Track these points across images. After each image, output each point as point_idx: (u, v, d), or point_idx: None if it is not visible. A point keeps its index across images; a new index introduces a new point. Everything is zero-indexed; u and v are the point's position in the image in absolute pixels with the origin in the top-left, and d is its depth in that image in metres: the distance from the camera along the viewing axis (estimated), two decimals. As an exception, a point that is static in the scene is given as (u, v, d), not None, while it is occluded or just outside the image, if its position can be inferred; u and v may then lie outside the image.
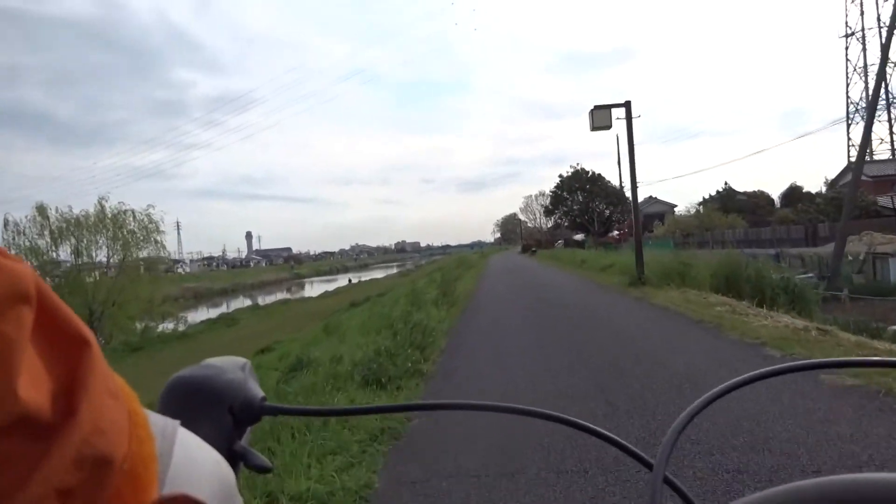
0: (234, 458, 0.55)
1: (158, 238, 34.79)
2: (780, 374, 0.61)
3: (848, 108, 56.50)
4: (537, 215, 75.54)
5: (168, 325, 37.73)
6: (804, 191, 67.92)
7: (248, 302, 63.69)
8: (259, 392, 0.60)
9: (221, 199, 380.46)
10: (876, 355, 5.00)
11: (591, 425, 0.62)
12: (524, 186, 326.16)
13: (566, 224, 62.50)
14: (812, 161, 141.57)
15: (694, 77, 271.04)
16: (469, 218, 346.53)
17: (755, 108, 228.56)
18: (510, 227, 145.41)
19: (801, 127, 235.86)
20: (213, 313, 49.39)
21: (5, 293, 0.23)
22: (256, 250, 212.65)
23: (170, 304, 42.02)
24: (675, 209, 72.44)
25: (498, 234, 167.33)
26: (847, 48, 56.04)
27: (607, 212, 56.00)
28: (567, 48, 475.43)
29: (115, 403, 0.30)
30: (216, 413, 0.55)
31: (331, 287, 71.03)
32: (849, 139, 56.89)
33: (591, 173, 58.56)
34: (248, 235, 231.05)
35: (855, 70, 55.34)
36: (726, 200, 58.86)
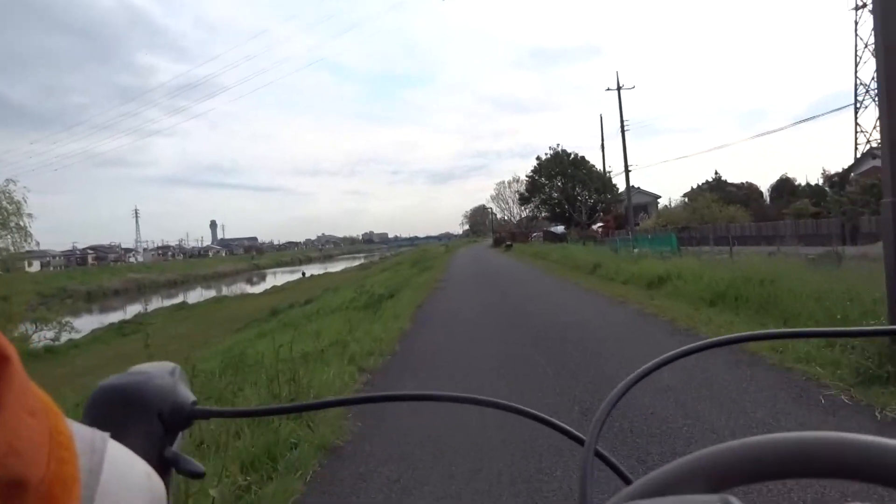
0: (166, 464, 0.53)
1: (23, 222, 25.27)
2: (705, 350, 0.60)
3: (857, 90, 48.63)
4: (510, 204, 65.46)
5: (48, 335, 28.31)
6: (796, 183, 61.51)
7: (186, 296, 57.55)
8: (189, 396, 0.57)
9: (186, 187, 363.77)
10: None
11: (521, 406, 0.60)
12: (493, 179, 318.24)
13: (543, 214, 53.46)
14: (793, 154, 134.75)
15: (658, 74, 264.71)
16: (437, 210, 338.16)
17: (720, 106, 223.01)
18: (479, 218, 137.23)
19: (761, 126, 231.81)
20: (133, 311, 41.72)
21: None
22: (221, 239, 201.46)
23: (57, 306, 32.64)
24: (659, 201, 64.84)
25: (466, 227, 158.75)
26: (857, 23, 48.05)
27: (590, 200, 46.84)
28: (533, 43, 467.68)
29: (34, 422, 0.27)
30: (145, 420, 0.53)
31: (285, 280, 66.00)
32: (857, 125, 49.05)
33: (573, 156, 49.91)
34: (213, 224, 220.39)
35: (867, 47, 47.42)
36: (716, 191, 51.59)
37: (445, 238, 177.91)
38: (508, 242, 50.84)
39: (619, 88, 39.35)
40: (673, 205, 64.27)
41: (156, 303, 49.75)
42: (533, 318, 8.89)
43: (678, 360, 0.59)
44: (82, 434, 0.34)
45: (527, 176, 53.21)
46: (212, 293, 57.25)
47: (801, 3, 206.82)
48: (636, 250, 30.79)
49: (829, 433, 0.32)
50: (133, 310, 45.00)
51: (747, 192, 60.06)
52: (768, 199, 60.47)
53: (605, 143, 47.81)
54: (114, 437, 0.40)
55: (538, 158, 51.88)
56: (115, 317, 39.54)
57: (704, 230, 39.68)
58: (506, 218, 70.01)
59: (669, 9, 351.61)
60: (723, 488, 0.33)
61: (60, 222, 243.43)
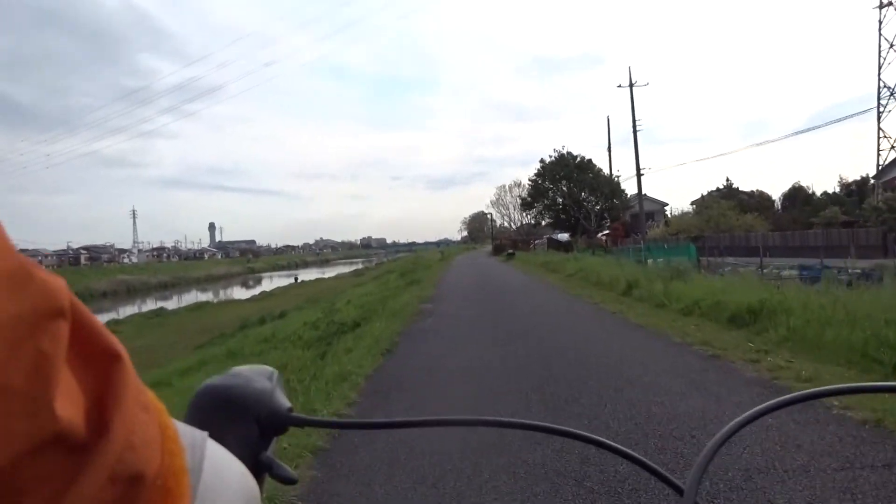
0: (260, 468, 0.53)
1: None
2: (812, 399, 0.58)
3: (880, 92, 45.03)
4: (511, 210, 60.25)
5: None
6: (810, 191, 58.24)
7: (172, 300, 54.96)
8: (286, 402, 0.57)
9: (187, 189, 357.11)
10: None
11: (622, 447, 0.59)
12: (493, 186, 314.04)
13: (547, 220, 48.99)
14: (799, 163, 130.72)
15: (660, 84, 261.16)
16: (436, 216, 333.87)
17: (721, 117, 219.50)
18: (477, 224, 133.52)
19: (761, 137, 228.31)
20: (108, 317, 38.49)
21: (43, 308, 0.22)
22: (219, 242, 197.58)
23: None
24: (666, 208, 61.21)
25: (465, 233, 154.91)
26: (882, 22, 44.62)
27: (598, 206, 42.45)
28: (537, 51, 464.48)
29: (147, 417, 0.29)
30: (243, 423, 0.53)
31: (276, 285, 61.37)
32: (880, 130, 45.39)
33: (579, 158, 46.08)
34: (212, 226, 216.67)
35: (892, 46, 43.94)
36: (728, 199, 48.12)
37: (444, 244, 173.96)
38: (510, 250, 45.71)
39: (631, 85, 35.92)
40: (680, 213, 60.70)
41: (138, 307, 46.66)
42: (581, 398, 4.85)
43: (779, 410, 0.56)
44: (183, 431, 0.35)
45: (529, 180, 49.11)
46: (197, 297, 54.82)
47: (798, 14, 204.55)
48: (650, 261, 27.17)
49: None
50: (109, 315, 41.76)
51: (758, 201, 56.75)
52: (780, 208, 57.35)
53: (611, 147, 43.41)
54: (212, 436, 0.40)
55: (542, 161, 48.16)
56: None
57: (722, 239, 35.99)
58: (506, 224, 65.66)
59: (673, 19, 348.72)
60: None
61: (61, 222, 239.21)
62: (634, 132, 35.24)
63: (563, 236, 49.05)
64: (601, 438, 0.57)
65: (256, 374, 0.56)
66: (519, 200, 52.62)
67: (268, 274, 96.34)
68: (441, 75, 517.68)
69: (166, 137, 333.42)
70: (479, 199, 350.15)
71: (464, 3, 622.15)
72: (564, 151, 45.68)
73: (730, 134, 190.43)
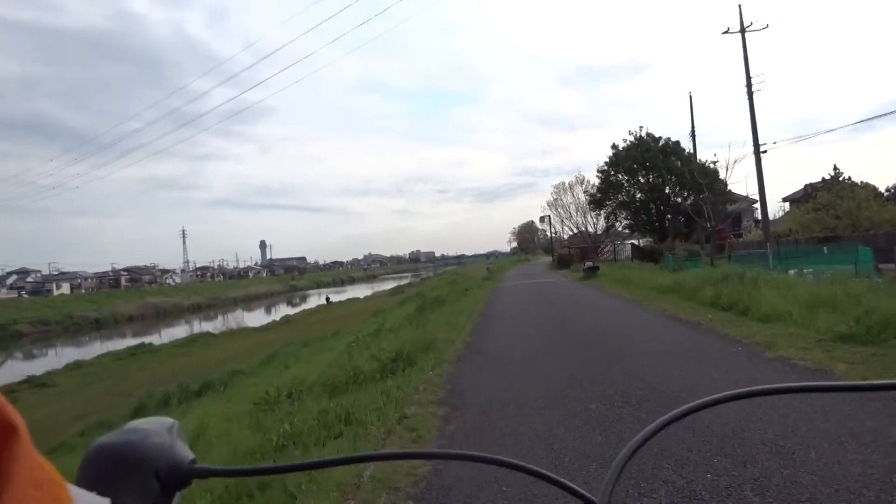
0: None
1: None
2: (721, 404, 0.55)
3: None
4: (573, 212, 47.73)
5: None
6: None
7: (188, 326, 47.59)
8: (188, 454, 0.54)
9: (238, 209, 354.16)
10: None
11: (528, 465, 0.55)
12: (540, 197, 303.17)
13: (624, 221, 37.39)
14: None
15: (708, 88, 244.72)
16: (484, 228, 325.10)
17: (771, 122, 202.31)
18: (527, 235, 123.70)
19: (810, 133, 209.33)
20: (95, 351, 31.21)
21: None
22: (270, 259, 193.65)
23: None
24: (755, 206, 49.77)
25: (514, 244, 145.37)
26: None
27: (689, 201, 31.04)
28: (580, 61, 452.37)
29: (39, 495, 0.25)
30: (141, 480, 0.49)
31: (307, 306, 56.27)
32: None
33: (663, 141, 35.38)
34: (262, 245, 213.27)
35: None
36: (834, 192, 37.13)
37: (493, 256, 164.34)
38: (590, 263, 31.64)
39: (742, 30, 25.87)
40: (781, 212, 49.57)
41: (138, 338, 39.52)
42: None
43: (693, 413, 0.53)
44: (84, 502, 0.32)
45: (598, 171, 38.97)
46: (221, 322, 48.68)
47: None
48: (791, 271, 18.09)
49: None
50: (88, 350, 34.40)
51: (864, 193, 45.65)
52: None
53: (695, 131, 32.30)
54: (109, 496, 0.37)
55: (614, 147, 37.68)
56: (64, 358, 28.87)
57: (873, 240, 24.81)
58: (562, 230, 54.53)
59: (717, 22, 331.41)
60: None
61: (114, 244, 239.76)
62: (749, 92, 25.06)
63: (634, 242, 38.31)
64: (513, 461, 0.54)
65: (154, 427, 0.52)
66: (585, 198, 41.62)
67: (309, 292, 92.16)
68: (484, 88, 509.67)
69: (217, 160, 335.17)
70: (528, 209, 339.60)
71: (504, 17, 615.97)
72: (643, 134, 34.89)
73: (774, 134, 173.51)
